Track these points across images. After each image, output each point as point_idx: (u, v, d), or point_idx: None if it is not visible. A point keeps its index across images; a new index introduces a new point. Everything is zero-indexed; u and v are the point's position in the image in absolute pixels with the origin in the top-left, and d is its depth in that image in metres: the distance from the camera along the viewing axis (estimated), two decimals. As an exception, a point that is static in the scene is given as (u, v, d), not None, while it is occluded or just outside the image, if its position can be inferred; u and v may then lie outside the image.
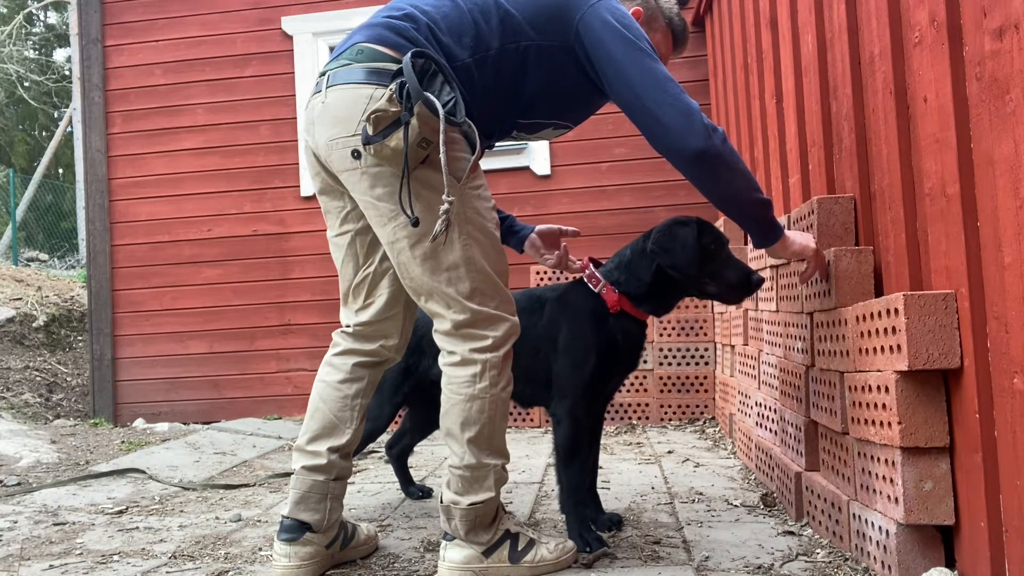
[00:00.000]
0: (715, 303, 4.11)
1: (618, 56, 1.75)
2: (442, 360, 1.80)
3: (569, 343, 2.04)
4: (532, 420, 4.39)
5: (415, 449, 3.61)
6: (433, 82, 1.64)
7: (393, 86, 1.61)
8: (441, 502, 1.81)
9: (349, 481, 2.97)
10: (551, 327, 2.08)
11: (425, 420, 2.65)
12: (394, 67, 1.66)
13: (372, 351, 1.93)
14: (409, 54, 1.61)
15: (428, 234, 1.69)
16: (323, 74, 1.77)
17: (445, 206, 1.62)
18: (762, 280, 2.04)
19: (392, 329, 1.94)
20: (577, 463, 2.02)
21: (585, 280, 2.11)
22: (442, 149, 1.59)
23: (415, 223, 1.65)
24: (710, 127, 1.73)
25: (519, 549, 1.83)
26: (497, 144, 2.03)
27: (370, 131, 1.62)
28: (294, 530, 1.85)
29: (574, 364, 2.02)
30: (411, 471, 3.14)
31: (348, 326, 1.94)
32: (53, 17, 21.00)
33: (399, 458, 2.73)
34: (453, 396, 1.77)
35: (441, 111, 1.58)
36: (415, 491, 2.71)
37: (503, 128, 1.95)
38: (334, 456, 1.88)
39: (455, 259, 1.72)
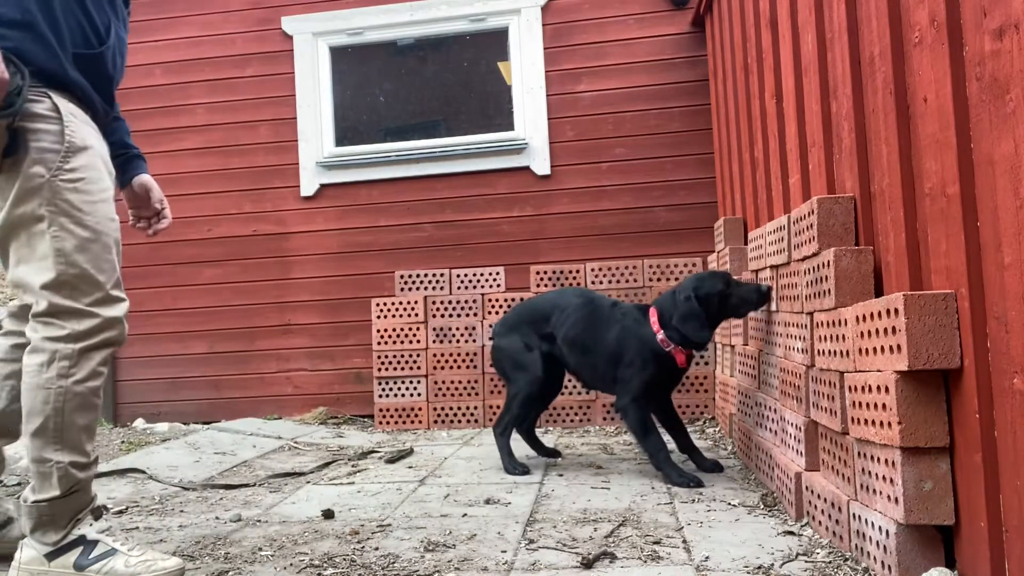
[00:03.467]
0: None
1: None
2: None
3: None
4: (532, 420, 4.38)
5: (415, 449, 3.63)
6: None
7: None
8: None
9: (349, 481, 2.98)
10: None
11: (548, 390, 3.22)
12: None
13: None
14: None
15: (12, 233, 1.73)
16: None
17: None
18: (770, 287, 2.59)
19: None
20: (653, 434, 2.79)
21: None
22: None
23: None
24: None
25: (90, 556, 1.75)
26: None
27: None
28: None
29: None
30: (411, 470, 3.15)
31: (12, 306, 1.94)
32: (53, 17, 20.99)
33: (529, 432, 3.28)
34: (22, 386, 1.75)
35: None
36: (544, 452, 3.27)
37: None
38: None
39: (44, 250, 1.72)
